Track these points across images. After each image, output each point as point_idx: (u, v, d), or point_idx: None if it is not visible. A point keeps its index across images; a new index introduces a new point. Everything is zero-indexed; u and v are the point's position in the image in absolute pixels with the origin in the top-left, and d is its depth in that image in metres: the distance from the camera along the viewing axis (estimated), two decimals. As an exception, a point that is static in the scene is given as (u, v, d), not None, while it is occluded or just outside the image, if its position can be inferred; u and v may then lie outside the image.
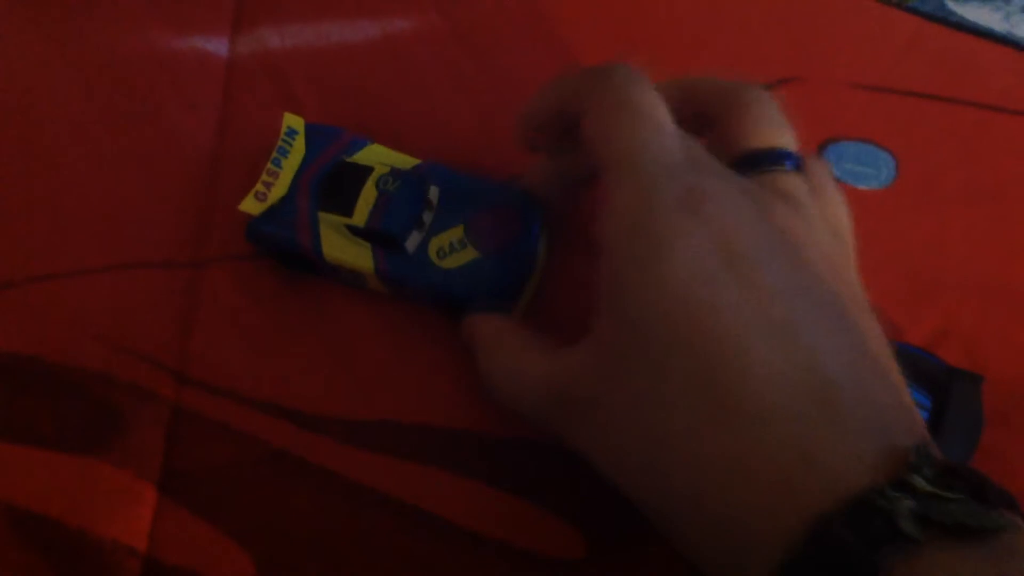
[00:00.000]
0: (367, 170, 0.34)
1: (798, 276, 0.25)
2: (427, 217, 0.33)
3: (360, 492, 0.33)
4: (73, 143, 0.37)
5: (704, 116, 0.30)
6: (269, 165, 0.34)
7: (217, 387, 0.34)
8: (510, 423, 0.34)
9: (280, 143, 0.35)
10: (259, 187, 0.34)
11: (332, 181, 0.34)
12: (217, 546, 0.32)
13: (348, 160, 0.34)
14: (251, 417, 0.34)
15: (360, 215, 0.33)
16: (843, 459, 0.22)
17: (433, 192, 0.34)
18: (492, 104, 0.38)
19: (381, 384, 0.34)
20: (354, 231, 0.33)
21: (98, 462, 0.33)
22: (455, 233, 0.33)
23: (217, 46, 0.39)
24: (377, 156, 0.35)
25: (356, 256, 0.33)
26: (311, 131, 0.35)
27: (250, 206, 0.34)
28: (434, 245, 0.33)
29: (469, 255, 0.33)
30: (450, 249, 0.33)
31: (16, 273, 0.35)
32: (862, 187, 0.37)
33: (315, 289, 0.35)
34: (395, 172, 0.33)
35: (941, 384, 0.33)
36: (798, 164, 0.29)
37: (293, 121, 0.35)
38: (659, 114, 0.27)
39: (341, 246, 0.33)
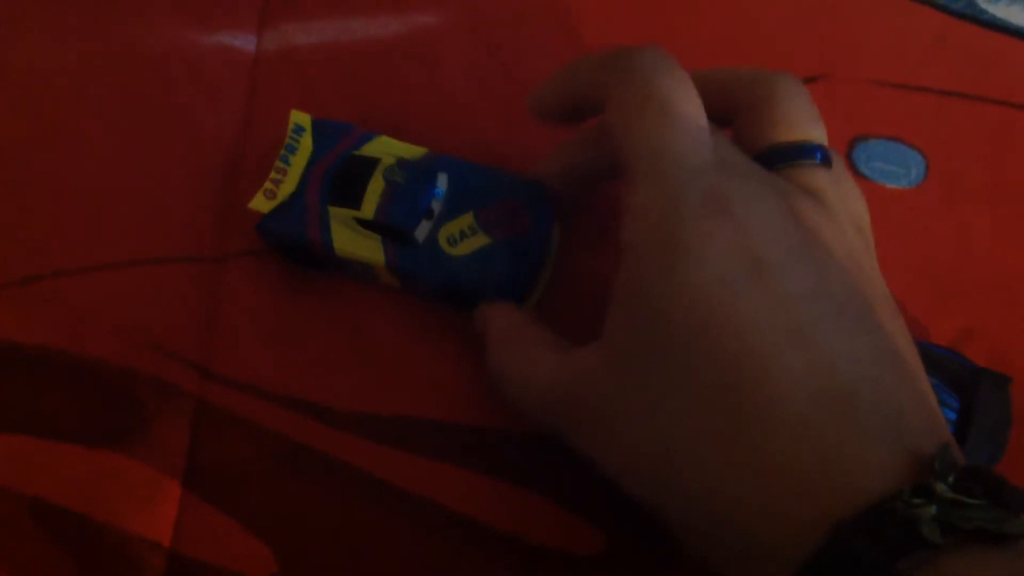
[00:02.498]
0: (374, 162, 0.34)
1: (822, 279, 0.25)
2: (436, 206, 0.33)
3: (380, 487, 0.33)
4: (99, 138, 0.37)
5: (731, 105, 0.30)
6: (277, 163, 0.34)
7: (240, 382, 0.34)
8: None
9: (288, 140, 0.35)
10: (268, 185, 0.34)
11: (340, 175, 0.34)
12: (240, 541, 0.32)
13: (356, 153, 0.34)
14: (273, 412, 0.34)
15: (368, 207, 0.33)
16: (863, 465, 0.22)
17: (442, 180, 0.34)
18: (512, 100, 0.38)
19: (401, 380, 0.34)
20: (363, 224, 0.33)
21: (122, 457, 0.33)
22: (465, 220, 0.33)
23: (243, 42, 0.39)
24: (385, 148, 0.35)
25: (366, 249, 0.33)
26: (319, 127, 0.35)
27: (259, 204, 0.34)
28: (444, 233, 0.33)
29: (480, 241, 0.33)
30: (460, 236, 0.33)
31: (42, 267, 0.35)
32: (892, 186, 0.37)
33: (336, 284, 0.35)
34: (402, 162, 0.33)
35: (968, 385, 0.32)
36: (826, 158, 0.29)
37: (300, 118, 0.35)
38: (689, 109, 0.27)
39: (352, 240, 0.33)
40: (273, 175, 0.34)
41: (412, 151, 0.35)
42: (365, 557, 0.32)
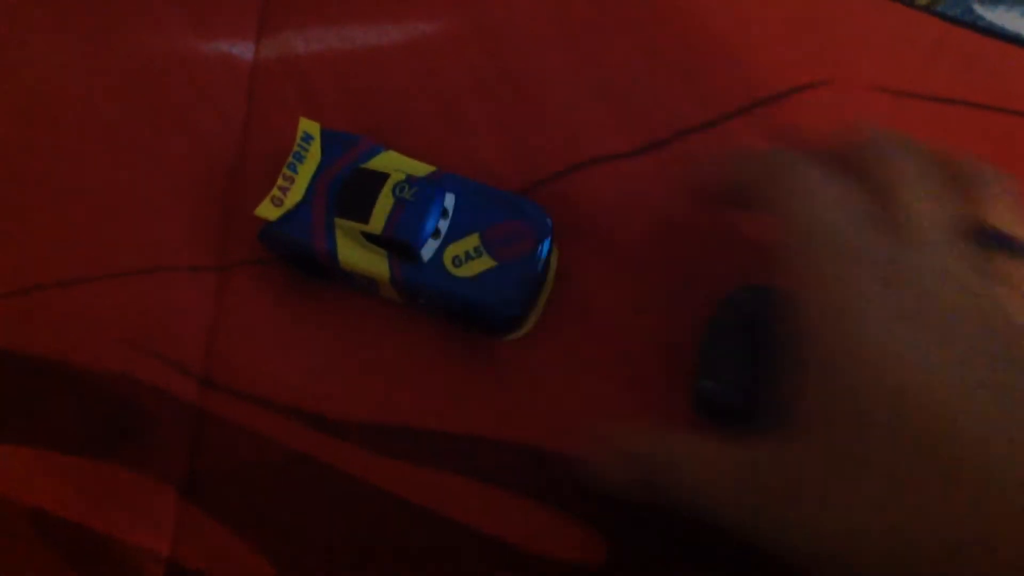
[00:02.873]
0: (383, 177, 0.34)
1: (1007, 342, 0.25)
2: (442, 225, 0.33)
3: (380, 497, 0.33)
4: (99, 147, 0.37)
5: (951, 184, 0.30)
6: (285, 170, 0.34)
7: (240, 391, 0.34)
8: (528, 430, 0.34)
9: (296, 148, 0.35)
10: (275, 192, 0.34)
11: (349, 187, 0.34)
12: (238, 550, 0.32)
13: (364, 167, 0.34)
14: (274, 421, 0.34)
15: (377, 222, 0.33)
16: None
17: (449, 200, 0.34)
18: (514, 111, 0.38)
19: (401, 390, 0.35)
20: (370, 238, 0.33)
21: (122, 466, 0.33)
22: (471, 241, 0.33)
23: (242, 50, 0.39)
24: (392, 163, 0.35)
25: (371, 263, 0.33)
26: (327, 137, 0.35)
27: (266, 211, 0.34)
28: (449, 253, 0.33)
29: (485, 264, 0.33)
30: (466, 257, 0.33)
31: (43, 276, 0.35)
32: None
33: (338, 294, 0.36)
34: (411, 179, 0.34)
35: None
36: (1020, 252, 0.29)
37: (309, 126, 0.35)
38: (835, 189, 0.28)
39: (357, 253, 0.33)
40: (281, 182, 0.34)
41: (420, 168, 0.35)
42: (365, 568, 0.32)
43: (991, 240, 0.28)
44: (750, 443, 0.27)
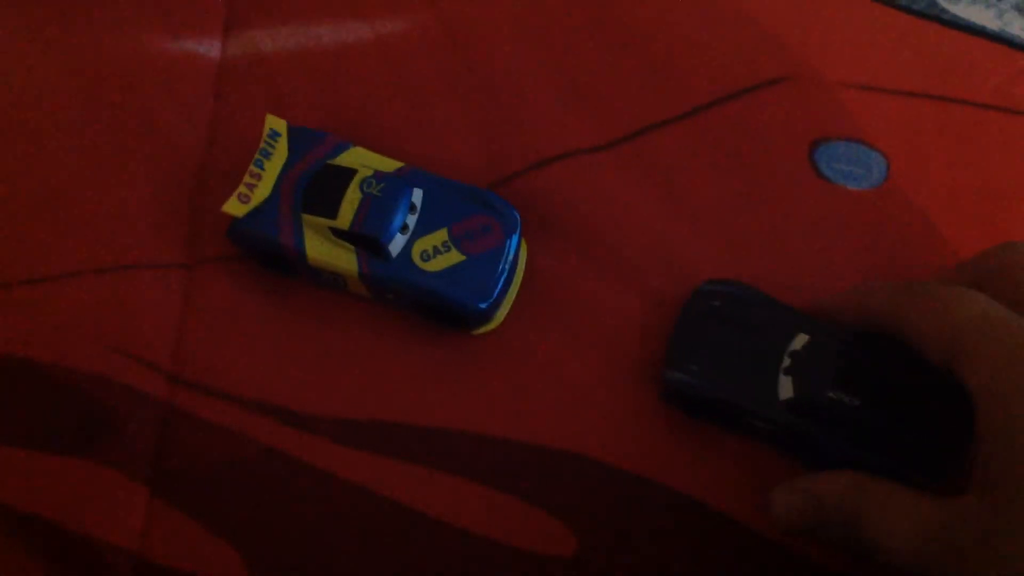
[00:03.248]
0: (351, 172, 0.34)
1: None
2: (411, 221, 0.34)
3: (351, 491, 0.33)
4: (65, 145, 0.37)
5: None
6: (251, 167, 0.34)
7: (209, 387, 0.34)
8: (498, 423, 0.34)
9: (263, 145, 0.35)
10: (242, 189, 0.34)
11: (316, 183, 0.34)
12: (209, 546, 0.32)
13: (332, 163, 0.35)
14: (243, 416, 0.34)
15: (344, 218, 0.33)
16: None
17: (417, 195, 0.34)
18: (483, 107, 0.38)
19: (371, 384, 0.35)
20: (338, 234, 0.33)
21: (91, 463, 0.33)
22: (439, 236, 0.34)
23: (208, 48, 0.39)
24: (360, 159, 0.35)
25: (340, 259, 0.33)
26: (294, 133, 0.35)
27: (233, 207, 0.34)
28: (417, 248, 0.33)
29: (453, 258, 0.33)
30: (434, 252, 0.33)
31: (9, 275, 0.35)
32: (852, 187, 0.37)
33: (306, 290, 0.36)
34: (378, 175, 0.34)
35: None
36: None
37: (276, 123, 0.35)
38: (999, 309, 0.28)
39: (325, 248, 0.33)
40: (247, 179, 0.34)
41: (387, 164, 0.35)
42: (335, 561, 0.33)
43: None
44: (942, 502, 0.28)
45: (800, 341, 0.32)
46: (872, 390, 0.31)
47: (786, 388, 0.31)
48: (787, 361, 0.32)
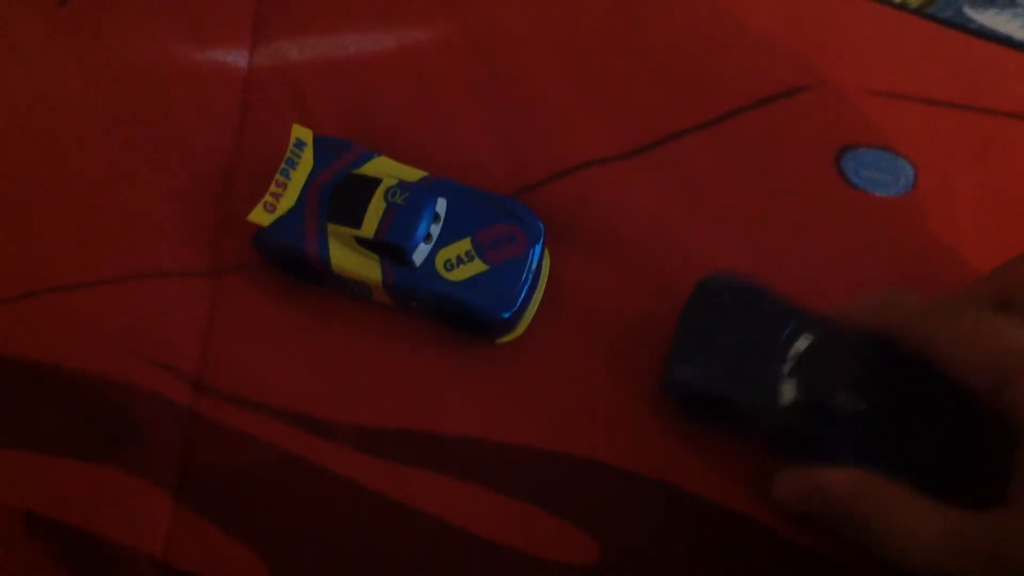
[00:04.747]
0: (375, 182, 0.34)
1: None
2: (434, 230, 0.34)
3: (373, 499, 0.33)
4: (93, 154, 0.38)
5: None
6: (278, 176, 0.35)
7: (233, 394, 0.34)
8: (520, 432, 0.34)
9: (289, 154, 0.35)
10: (268, 198, 0.34)
11: (341, 193, 0.34)
12: (231, 552, 0.32)
13: (356, 172, 0.35)
14: (266, 424, 0.34)
15: (369, 227, 0.33)
16: None
17: (441, 205, 0.34)
18: (507, 115, 0.38)
19: (394, 392, 0.35)
20: (363, 243, 0.33)
21: (116, 469, 0.33)
22: (463, 246, 0.34)
23: (236, 57, 0.39)
24: (384, 168, 0.35)
25: (364, 267, 0.33)
26: (319, 143, 0.35)
27: (259, 217, 0.34)
28: (441, 257, 0.33)
29: (477, 268, 0.33)
30: (457, 261, 0.33)
31: (37, 283, 0.36)
32: (880, 194, 0.37)
33: (331, 298, 0.36)
34: (403, 184, 0.34)
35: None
36: None
37: (302, 133, 0.35)
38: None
39: (349, 257, 0.34)
40: (273, 188, 0.34)
41: (412, 173, 0.35)
42: (357, 568, 0.32)
43: None
44: (960, 514, 0.28)
45: (805, 342, 0.32)
46: (877, 394, 0.31)
47: (789, 391, 0.31)
48: (791, 363, 0.32)
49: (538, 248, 0.34)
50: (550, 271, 0.36)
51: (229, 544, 0.32)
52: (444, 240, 0.34)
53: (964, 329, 0.29)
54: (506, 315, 0.33)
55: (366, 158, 0.35)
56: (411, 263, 0.33)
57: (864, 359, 0.31)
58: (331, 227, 0.34)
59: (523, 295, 0.34)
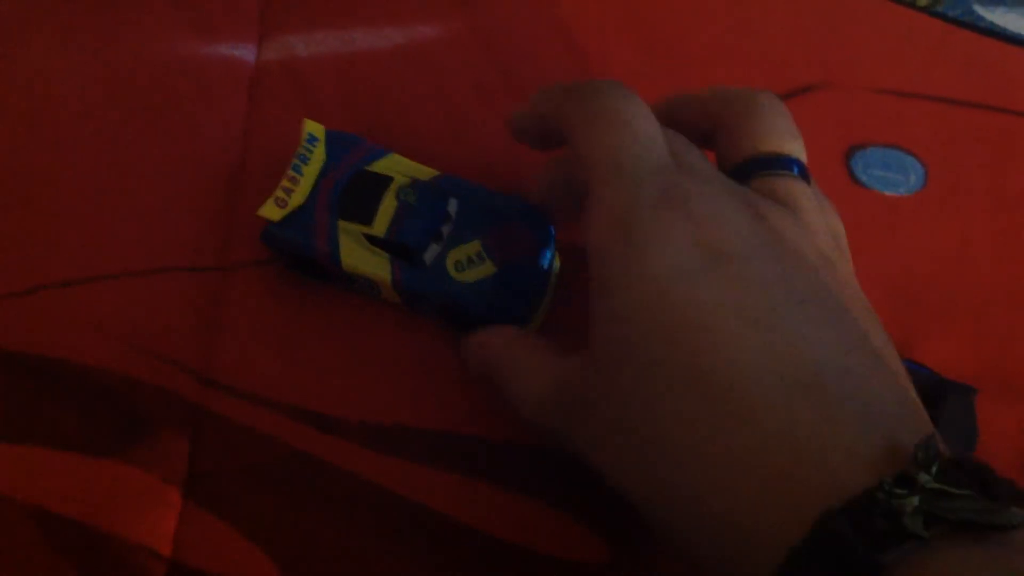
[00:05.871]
0: (387, 180, 0.34)
1: (784, 271, 0.25)
2: (445, 230, 0.34)
3: (382, 496, 0.33)
4: (101, 148, 0.38)
5: (711, 123, 0.30)
6: (289, 171, 0.34)
7: (241, 390, 0.34)
8: (527, 430, 0.34)
9: (300, 150, 0.35)
10: (279, 193, 0.34)
11: (352, 190, 0.34)
12: (241, 549, 0.32)
13: (369, 169, 0.34)
14: (275, 420, 0.34)
15: (380, 225, 0.33)
16: (839, 453, 0.22)
17: (452, 204, 0.34)
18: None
19: (404, 390, 0.35)
20: (373, 241, 0.33)
21: (123, 465, 0.33)
22: (473, 247, 0.34)
23: (244, 52, 0.39)
24: (396, 166, 0.35)
25: (373, 266, 0.33)
26: (332, 138, 0.35)
27: (269, 211, 0.34)
28: (452, 258, 0.33)
29: (487, 269, 0.33)
30: (468, 263, 0.33)
31: (44, 277, 0.35)
32: (890, 193, 0.37)
33: (339, 296, 0.36)
34: (415, 183, 0.34)
35: (933, 396, 0.32)
36: (803, 172, 0.29)
37: (314, 128, 0.35)
38: (642, 124, 0.27)
39: (359, 255, 0.33)
40: (284, 183, 0.34)
41: (423, 171, 0.35)
42: (366, 566, 0.32)
43: (761, 166, 0.29)
44: (564, 361, 0.28)
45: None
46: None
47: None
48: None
49: (549, 250, 0.34)
50: (560, 274, 0.36)
51: (238, 540, 0.32)
52: (455, 240, 0.34)
53: (584, 111, 0.28)
54: (515, 318, 0.33)
55: (379, 155, 0.35)
56: (421, 262, 0.33)
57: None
58: (342, 224, 0.33)
59: (533, 298, 0.34)
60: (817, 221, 0.28)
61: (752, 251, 0.25)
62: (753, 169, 0.29)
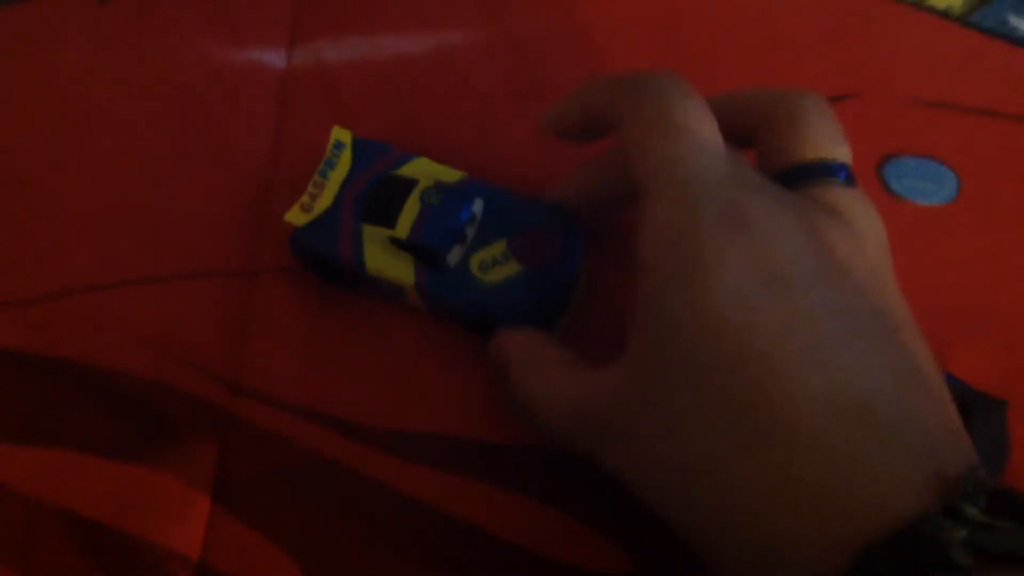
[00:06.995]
0: (411, 183, 0.34)
1: (840, 296, 0.25)
2: (470, 231, 0.33)
3: (408, 504, 0.33)
4: (131, 153, 0.38)
5: (754, 125, 0.30)
6: (315, 177, 0.34)
7: (269, 396, 0.34)
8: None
9: (328, 156, 0.35)
10: (305, 198, 0.34)
11: (376, 193, 0.34)
12: (268, 555, 0.32)
13: (393, 173, 0.34)
14: (302, 427, 0.34)
15: (403, 227, 0.33)
16: (887, 484, 0.22)
17: (477, 205, 0.34)
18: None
19: (429, 397, 0.34)
20: (397, 243, 0.33)
21: (152, 470, 0.33)
22: (498, 247, 0.33)
23: (274, 58, 0.39)
24: (423, 169, 0.35)
25: (398, 269, 0.33)
26: (359, 145, 0.35)
27: (295, 217, 0.34)
28: (476, 260, 0.33)
29: (512, 269, 0.33)
30: (493, 264, 0.33)
31: (74, 281, 0.36)
32: (923, 203, 0.36)
33: (365, 301, 0.36)
34: (439, 185, 0.33)
35: (965, 409, 0.32)
36: (851, 177, 0.28)
37: (341, 134, 0.35)
38: (702, 128, 0.27)
39: (383, 259, 0.33)
40: (310, 188, 0.34)
41: (450, 174, 0.35)
42: (392, 573, 0.32)
43: (810, 173, 0.28)
44: (599, 375, 0.27)
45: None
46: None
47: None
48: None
49: (576, 253, 0.34)
50: (587, 277, 0.35)
51: (266, 546, 0.32)
52: (479, 242, 0.33)
53: (638, 106, 0.27)
54: (541, 321, 0.33)
55: (405, 160, 0.35)
56: (445, 265, 0.33)
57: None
58: (366, 227, 0.33)
59: (559, 301, 0.33)
60: (867, 230, 0.27)
61: (810, 276, 0.25)
62: (802, 176, 0.28)
